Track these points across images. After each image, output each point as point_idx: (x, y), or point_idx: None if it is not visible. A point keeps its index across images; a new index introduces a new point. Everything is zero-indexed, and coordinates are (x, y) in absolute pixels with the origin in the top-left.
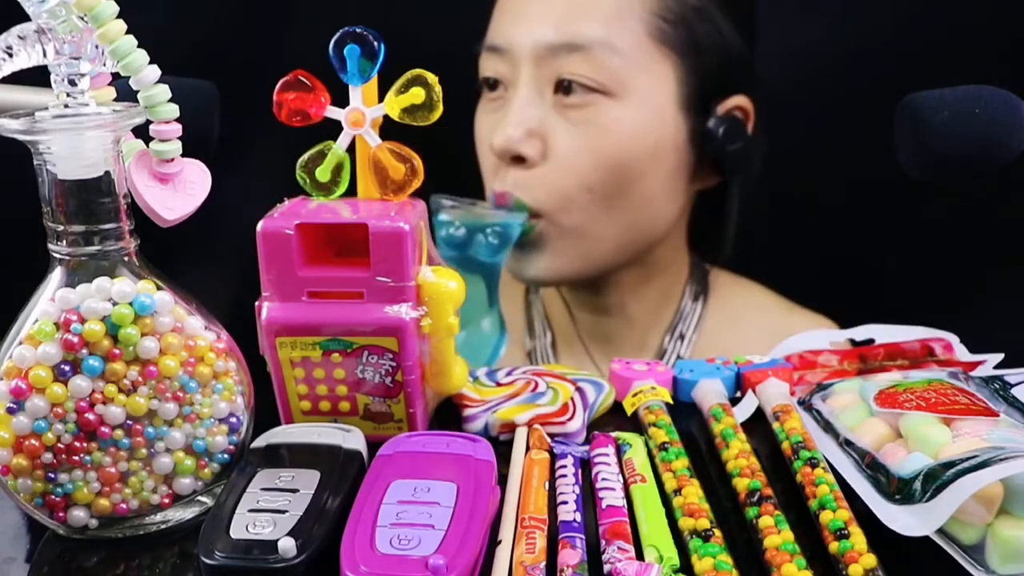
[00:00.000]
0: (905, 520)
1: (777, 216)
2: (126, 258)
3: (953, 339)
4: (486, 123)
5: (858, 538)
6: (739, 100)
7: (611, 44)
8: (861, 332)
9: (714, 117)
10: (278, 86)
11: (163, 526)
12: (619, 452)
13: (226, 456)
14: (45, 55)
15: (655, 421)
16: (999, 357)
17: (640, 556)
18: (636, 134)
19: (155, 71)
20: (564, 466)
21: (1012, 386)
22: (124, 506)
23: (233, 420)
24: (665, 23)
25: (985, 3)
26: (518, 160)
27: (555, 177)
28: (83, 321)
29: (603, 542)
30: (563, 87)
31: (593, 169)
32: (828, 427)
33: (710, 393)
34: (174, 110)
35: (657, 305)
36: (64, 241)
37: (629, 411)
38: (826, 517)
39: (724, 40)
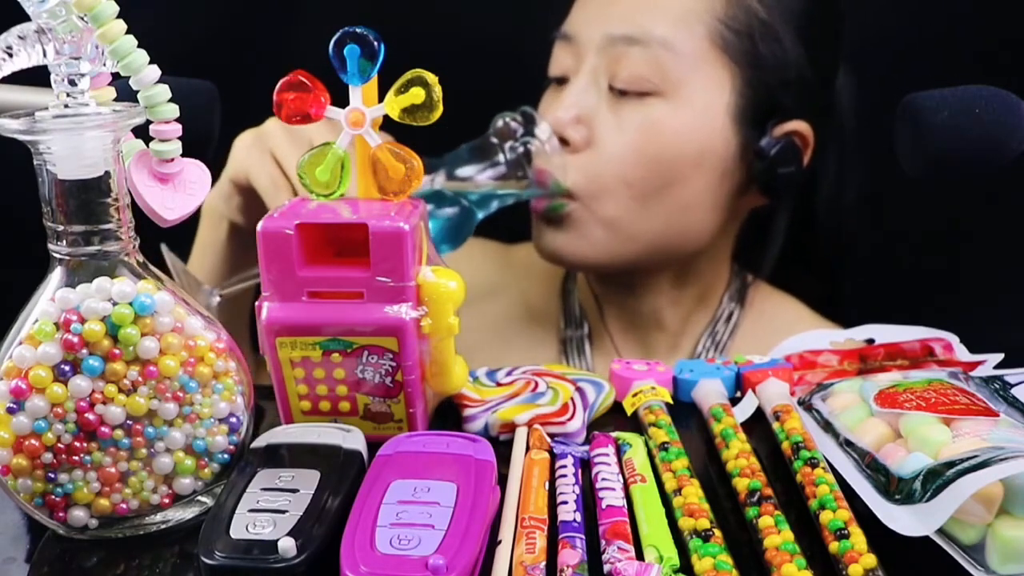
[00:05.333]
0: (905, 520)
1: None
2: (126, 258)
3: (953, 339)
4: (545, 107)
5: (858, 538)
6: (798, 125)
7: (670, 44)
8: (861, 332)
9: (768, 136)
10: (278, 86)
11: (163, 526)
12: (619, 452)
13: (226, 456)
14: (45, 55)
15: (655, 421)
16: (999, 357)
17: (640, 556)
18: (681, 136)
19: (155, 71)
20: (564, 466)
21: (1012, 386)
22: (124, 506)
23: (233, 420)
24: (729, 31)
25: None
26: (563, 143)
27: (596, 166)
28: (83, 321)
29: (603, 542)
30: (617, 92)
31: (634, 165)
32: (828, 427)
33: (710, 393)
34: (174, 110)
35: (691, 310)
36: (64, 241)
37: (629, 411)
38: (826, 517)
39: (788, 60)
